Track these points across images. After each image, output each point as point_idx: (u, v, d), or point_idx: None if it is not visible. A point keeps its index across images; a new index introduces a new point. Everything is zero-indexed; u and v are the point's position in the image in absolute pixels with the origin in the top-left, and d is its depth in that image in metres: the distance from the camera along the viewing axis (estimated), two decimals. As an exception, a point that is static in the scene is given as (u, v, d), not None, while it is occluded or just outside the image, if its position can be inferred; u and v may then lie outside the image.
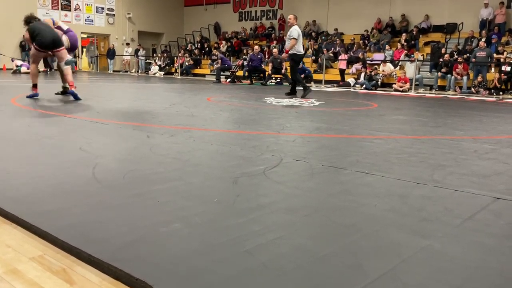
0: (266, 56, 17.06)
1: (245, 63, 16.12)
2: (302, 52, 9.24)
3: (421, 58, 15.03)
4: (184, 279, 1.32)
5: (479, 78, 12.93)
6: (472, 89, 12.91)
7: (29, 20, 6.78)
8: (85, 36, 23.28)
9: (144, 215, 1.82)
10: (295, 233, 1.70)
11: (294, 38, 8.83)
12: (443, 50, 14.47)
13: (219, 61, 17.27)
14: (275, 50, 15.91)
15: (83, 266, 1.43)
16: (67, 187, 2.18)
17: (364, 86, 13.88)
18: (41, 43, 6.62)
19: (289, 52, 8.99)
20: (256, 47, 16.03)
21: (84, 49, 23.35)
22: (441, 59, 14.09)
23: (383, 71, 14.80)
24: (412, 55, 14.86)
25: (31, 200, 1.97)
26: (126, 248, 1.50)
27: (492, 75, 13.07)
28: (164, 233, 1.64)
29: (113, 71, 22.49)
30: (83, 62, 23.48)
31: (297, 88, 9.43)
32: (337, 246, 1.59)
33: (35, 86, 6.87)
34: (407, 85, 13.30)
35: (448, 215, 1.93)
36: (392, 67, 14.90)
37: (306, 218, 1.86)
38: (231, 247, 1.54)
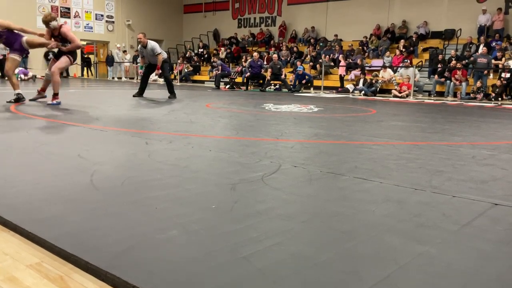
0: (265, 62, 17.10)
1: (245, 69, 16.13)
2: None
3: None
4: (182, 286, 1.32)
5: (478, 84, 12.95)
6: (471, 95, 12.93)
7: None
8: (84, 43, 23.33)
9: (141, 222, 1.82)
10: (293, 239, 1.70)
11: (160, 53, 9.51)
12: (440, 56, 14.51)
13: (219, 67, 17.30)
14: (275, 56, 15.94)
15: (81, 273, 1.43)
16: (65, 194, 2.18)
17: (363, 92, 13.90)
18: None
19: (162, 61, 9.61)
20: (255, 54, 16.00)
21: (92, 56, 23.42)
22: (439, 65, 14.12)
23: (382, 77, 14.84)
24: (406, 60, 14.91)
25: (29, 207, 1.97)
26: (123, 256, 1.50)
27: (492, 81, 13.10)
28: (161, 240, 1.64)
29: (112, 77, 22.53)
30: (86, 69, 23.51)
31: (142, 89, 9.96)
32: (335, 252, 1.59)
33: (57, 94, 6.94)
34: (407, 91, 13.31)
35: (446, 221, 1.94)
36: (392, 73, 14.94)
37: (303, 225, 1.86)
38: (228, 253, 1.54)
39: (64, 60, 7.06)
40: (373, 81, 14.11)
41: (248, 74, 15.51)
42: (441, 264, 1.50)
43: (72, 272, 1.44)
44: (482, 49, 13.67)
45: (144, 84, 9.84)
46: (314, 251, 1.59)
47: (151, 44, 9.45)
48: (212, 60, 19.89)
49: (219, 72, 16.84)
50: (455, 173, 2.90)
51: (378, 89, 14.14)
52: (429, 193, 2.38)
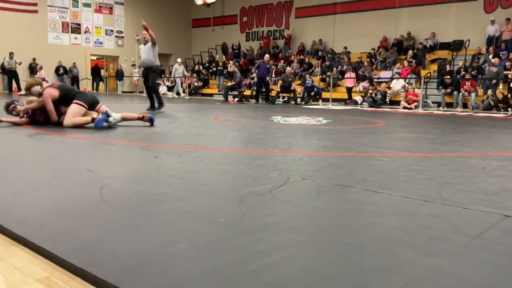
0: (274, 75, 17.13)
1: (253, 81, 16.13)
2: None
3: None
4: (190, 300, 1.31)
5: (489, 92, 12.84)
6: (480, 104, 12.85)
7: None
8: (94, 58, 23.63)
9: (150, 236, 1.83)
10: (301, 252, 1.69)
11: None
12: (448, 67, 14.48)
13: (236, 79, 17.03)
14: (288, 69, 15.97)
15: None
16: (74, 209, 2.19)
17: (370, 104, 13.90)
18: None
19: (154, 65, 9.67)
20: (266, 55, 15.73)
21: (102, 70, 23.71)
22: (446, 77, 14.08)
23: (393, 87, 14.87)
24: (415, 77, 14.94)
25: (38, 221, 1.98)
26: (132, 270, 1.50)
27: (501, 91, 13.02)
28: (170, 254, 1.64)
29: (122, 92, 22.73)
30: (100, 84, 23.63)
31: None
32: (344, 265, 1.57)
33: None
34: (416, 103, 13.26)
35: (456, 233, 1.91)
36: (403, 82, 14.94)
37: (312, 238, 1.85)
38: (237, 267, 1.53)
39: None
40: (373, 94, 14.11)
41: (255, 78, 15.28)
42: (452, 277, 1.48)
43: (81, 286, 1.45)
44: (494, 59, 13.61)
45: (150, 97, 9.84)
46: (323, 264, 1.58)
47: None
48: (231, 70, 19.35)
49: (234, 82, 16.70)
50: (465, 184, 2.87)
51: (380, 100, 14.08)
52: (439, 205, 2.35)
